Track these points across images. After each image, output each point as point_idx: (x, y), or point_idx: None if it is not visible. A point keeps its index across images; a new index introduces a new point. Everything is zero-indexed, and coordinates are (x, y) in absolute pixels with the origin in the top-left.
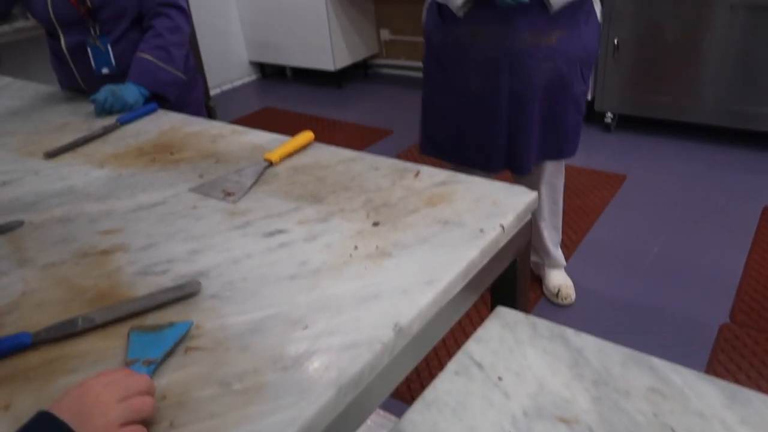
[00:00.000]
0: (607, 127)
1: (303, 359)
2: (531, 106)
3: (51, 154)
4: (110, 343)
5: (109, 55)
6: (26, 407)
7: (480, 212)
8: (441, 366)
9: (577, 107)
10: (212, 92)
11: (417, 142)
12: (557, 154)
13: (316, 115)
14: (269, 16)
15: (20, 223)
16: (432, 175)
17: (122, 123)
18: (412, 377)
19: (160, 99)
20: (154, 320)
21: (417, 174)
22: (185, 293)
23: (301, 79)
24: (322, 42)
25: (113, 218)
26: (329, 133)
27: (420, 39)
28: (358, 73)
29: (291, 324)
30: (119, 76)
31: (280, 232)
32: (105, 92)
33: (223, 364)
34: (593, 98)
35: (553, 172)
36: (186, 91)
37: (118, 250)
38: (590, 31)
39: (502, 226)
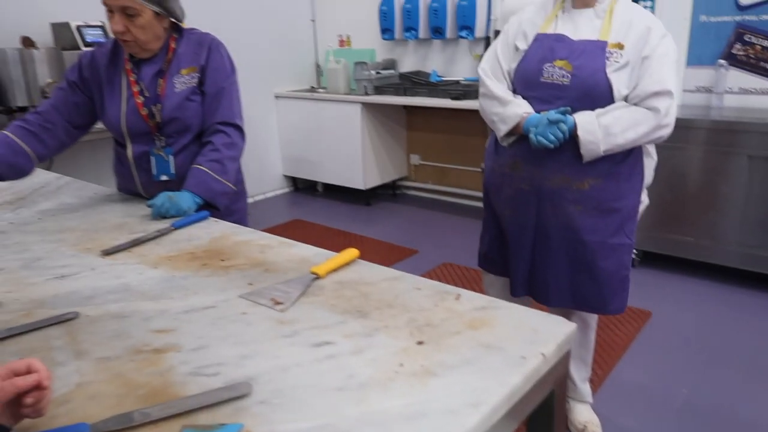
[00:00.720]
0: (631, 262)
1: None
2: (556, 243)
3: (108, 252)
4: None
5: (170, 164)
6: None
7: (521, 339)
8: None
9: (617, 260)
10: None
11: (441, 264)
12: (595, 306)
13: (343, 229)
14: (306, 135)
15: (76, 315)
16: (472, 299)
17: (176, 227)
18: None
19: (210, 206)
20: (205, 420)
21: (458, 297)
22: (237, 394)
23: (331, 194)
24: (355, 162)
25: (166, 318)
26: (356, 248)
27: (447, 166)
28: (386, 193)
29: None
30: (176, 183)
31: (327, 343)
32: (162, 198)
33: None
34: None
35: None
36: (234, 200)
37: (170, 349)
38: (632, 186)
39: (544, 355)
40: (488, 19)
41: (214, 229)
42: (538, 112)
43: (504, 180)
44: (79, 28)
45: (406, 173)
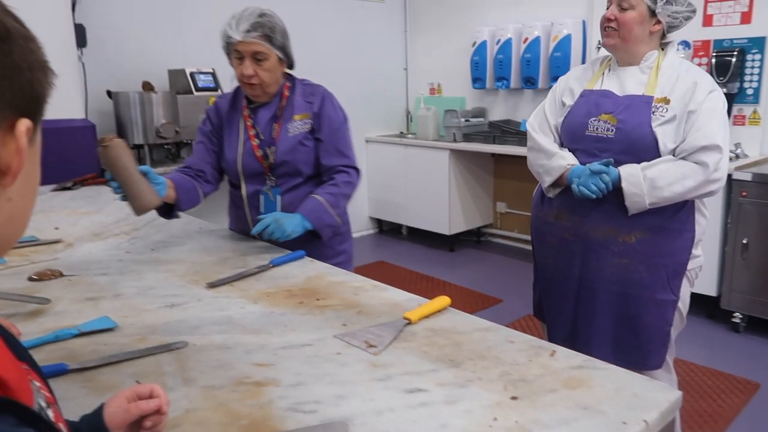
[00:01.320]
0: (734, 327)
1: None
2: (600, 297)
3: (212, 285)
4: None
5: (277, 204)
6: None
7: (621, 403)
8: None
9: (661, 316)
10: None
11: (526, 315)
12: (635, 362)
13: (426, 274)
14: (394, 179)
15: (185, 344)
16: (568, 356)
17: (274, 265)
18: None
19: (314, 235)
20: None
21: (553, 354)
22: None
23: (415, 238)
24: (440, 207)
25: (266, 352)
26: (438, 294)
27: None
28: (470, 239)
29: None
30: None
31: (420, 390)
32: (270, 218)
33: None
34: (719, 295)
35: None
36: (340, 241)
37: (270, 383)
38: (682, 243)
39: (646, 422)
40: None
41: (309, 269)
42: (583, 164)
43: (548, 231)
44: (192, 74)
45: (491, 220)
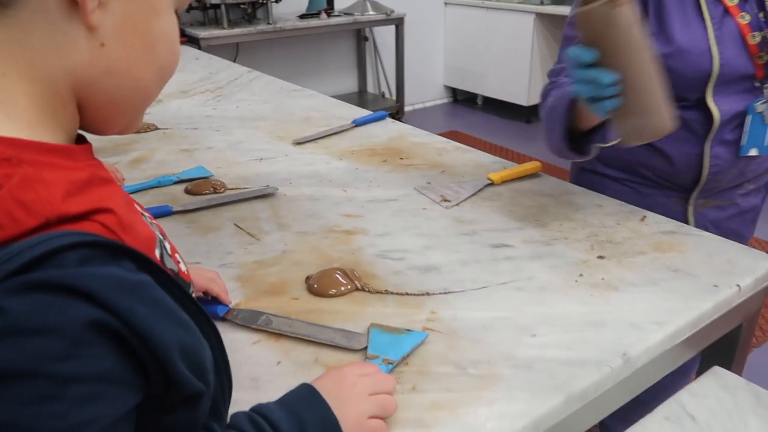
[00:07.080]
0: None
1: (533, 363)
2: None
3: (298, 142)
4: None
5: (766, 132)
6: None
7: (713, 267)
8: None
9: None
10: (406, 109)
11: None
12: None
13: (500, 145)
14: (472, 45)
15: (275, 189)
16: (659, 222)
17: (357, 124)
18: None
19: None
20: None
21: (643, 219)
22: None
23: (491, 108)
24: (520, 76)
25: (353, 205)
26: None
27: None
28: None
29: (520, 330)
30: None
31: (505, 245)
32: None
33: (458, 349)
34: None
35: None
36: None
37: (359, 232)
38: None
39: (739, 286)
40: None
41: (391, 129)
42: None
43: None
44: None
45: None
